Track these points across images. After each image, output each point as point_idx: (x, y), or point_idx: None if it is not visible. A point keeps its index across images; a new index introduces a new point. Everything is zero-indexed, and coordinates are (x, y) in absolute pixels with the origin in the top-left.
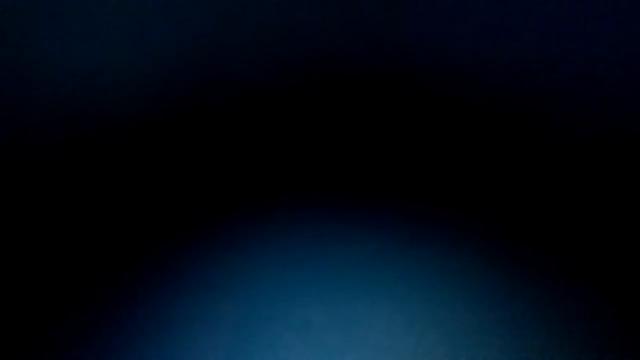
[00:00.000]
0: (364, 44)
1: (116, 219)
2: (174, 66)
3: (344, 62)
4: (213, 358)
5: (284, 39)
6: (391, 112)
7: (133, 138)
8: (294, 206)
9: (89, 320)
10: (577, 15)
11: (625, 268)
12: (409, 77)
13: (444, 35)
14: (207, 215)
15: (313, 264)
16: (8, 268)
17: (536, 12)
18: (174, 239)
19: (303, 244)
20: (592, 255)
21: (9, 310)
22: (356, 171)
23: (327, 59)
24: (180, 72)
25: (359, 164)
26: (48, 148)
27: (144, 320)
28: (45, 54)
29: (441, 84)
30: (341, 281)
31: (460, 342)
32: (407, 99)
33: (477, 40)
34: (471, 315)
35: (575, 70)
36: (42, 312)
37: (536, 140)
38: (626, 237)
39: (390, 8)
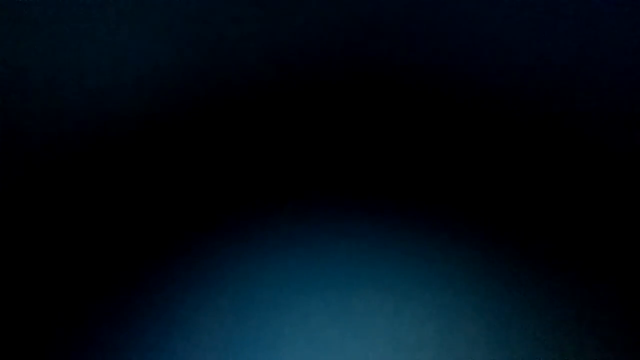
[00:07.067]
0: (363, 43)
1: (115, 219)
2: (173, 68)
3: (344, 62)
4: (213, 354)
5: (284, 38)
6: (393, 112)
7: (130, 139)
8: (293, 203)
9: (89, 318)
10: (582, 14)
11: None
12: (411, 76)
13: (445, 33)
14: (205, 212)
15: (312, 260)
16: (7, 268)
17: (541, 9)
18: (172, 235)
19: (302, 240)
20: (600, 257)
21: (7, 311)
22: (355, 169)
23: (327, 58)
24: (179, 74)
25: (358, 162)
26: (49, 150)
27: (142, 315)
28: (45, 56)
29: (444, 83)
30: (340, 276)
31: (461, 335)
32: (408, 98)
33: (479, 37)
34: (470, 306)
35: (579, 69)
36: (41, 312)
37: (540, 139)
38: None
39: (390, 7)
